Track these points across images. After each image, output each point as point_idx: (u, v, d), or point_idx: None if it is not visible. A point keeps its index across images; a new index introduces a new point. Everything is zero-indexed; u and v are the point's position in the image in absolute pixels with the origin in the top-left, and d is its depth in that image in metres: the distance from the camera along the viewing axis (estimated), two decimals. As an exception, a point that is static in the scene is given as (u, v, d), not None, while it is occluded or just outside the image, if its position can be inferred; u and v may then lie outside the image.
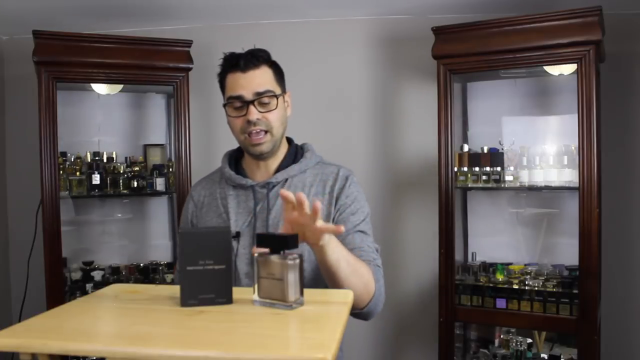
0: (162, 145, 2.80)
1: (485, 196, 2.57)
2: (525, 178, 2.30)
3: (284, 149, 1.45)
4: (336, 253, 1.16)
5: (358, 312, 1.29)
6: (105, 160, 2.63)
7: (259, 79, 1.35)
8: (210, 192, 1.47)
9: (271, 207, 1.37)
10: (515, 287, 2.23)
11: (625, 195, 2.46)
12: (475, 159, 2.37)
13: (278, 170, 1.42)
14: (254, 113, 1.33)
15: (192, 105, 2.50)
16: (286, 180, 1.40)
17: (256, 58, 1.36)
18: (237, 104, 1.35)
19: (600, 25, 2.03)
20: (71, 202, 2.56)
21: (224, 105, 1.39)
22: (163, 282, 2.56)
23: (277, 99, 1.36)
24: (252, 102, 1.33)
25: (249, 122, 1.33)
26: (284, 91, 1.42)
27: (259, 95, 1.34)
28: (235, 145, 2.76)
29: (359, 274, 1.23)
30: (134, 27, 2.73)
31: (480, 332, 2.50)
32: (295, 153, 1.46)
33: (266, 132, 1.35)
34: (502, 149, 2.36)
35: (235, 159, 1.49)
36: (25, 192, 2.68)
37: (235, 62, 1.36)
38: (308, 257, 1.33)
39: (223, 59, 1.40)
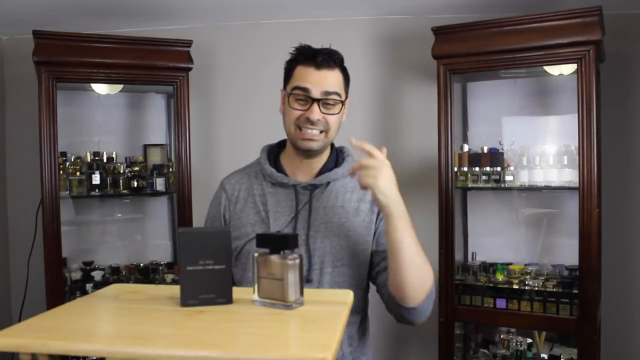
0: (162, 145, 2.80)
1: (485, 196, 2.57)
2: (525, 178, 2.30)
3: (327, 150, 1.43)
4: (399, 233, 1.20)
5: (409, 310, 1.27)
6: (105, 160, 2.63)
7: (331, 80, 1.33)
8: (247, 187, 1.43)
9: (313, 208, 1.36)
10: (515, 287, 2.23)
11: (625, 195, 2.46)
12: (475, 159, 2.37)
13: (321, 171, 1.40)
14: (316, 113, 1.31)
15: (192, 105, 2.50)
16: (328, 183, 1.39)
17: (333, 60, 1.34)
18: (300, 96, 1.33)
19: (600, 25, 2.03)
20: (71, 202, 2.56)
21: (287, 94, 1.35)
22: (163, 282, 2.56)
23: (342, 104, 1.36)
24: (317, 100, 1.31)
25: (308, 120, 1.31)
26: (346, 97, 1.40)
27: (327, 95, 1.32)
28: (233, 146, 2.75)
29: (419, 266, 1.23)
30: (134, 27, 2.73)
31: (480, 332, 2.50)
32: (337, 156, 1.45)
33: (322, 132, 1.34)
34: (502, 149, 2.36)
35: (275, 155, 1.46)
36: (25, 192, 2.69)
37: (312, 56, 1.33)
38: (349, 262, 1.34)
39: (297, 49, 1.37)
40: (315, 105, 1.31)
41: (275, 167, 1.42)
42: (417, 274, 1.23)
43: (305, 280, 1.31)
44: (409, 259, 1.21)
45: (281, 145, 1.48)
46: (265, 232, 1.34)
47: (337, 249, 1.34)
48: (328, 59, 1.33)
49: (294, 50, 1.37)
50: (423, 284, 1.25)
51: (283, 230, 1.35)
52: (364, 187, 1.20)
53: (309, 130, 1.32)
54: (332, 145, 1.47)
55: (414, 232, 1.23)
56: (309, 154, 1.37)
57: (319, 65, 1.32)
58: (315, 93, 1.31)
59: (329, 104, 1.33)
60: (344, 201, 1.38)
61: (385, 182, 1.18)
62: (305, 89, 1.32)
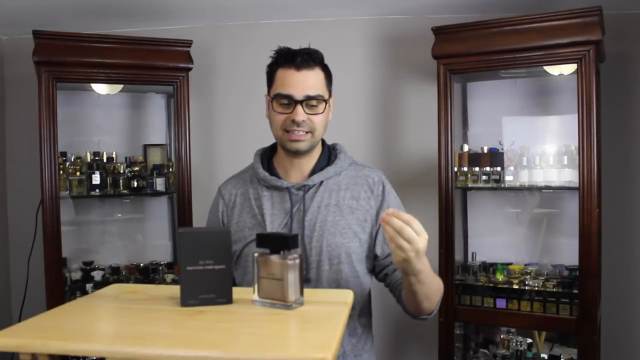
0: (162, 145, 2.80)
1: (485, 196, 2.57)
2: (525, 178, 2.30)
3: (318, 149, 1.44)
4: (418, 284, 1.22)
5: (423, 319, 1.36)
6: (105, 160, 2.63)
7: (312, 81, 1.34)
8: (242, 191, 1.45)
9: (307, 208, 1.37)
10: (515, 287, 2.23)
11: (625, 195, 2.46)
12: (475, 159, 2.37)
13: (313, 171, 1.41)
14: (300, 114, 1.32)
15: (192, 105, 2.50)
16: (321, 182, 1.40)
17: (312, 59, 1.34)
18: (284, 102, 1.34)
19: (600, 25, 2.03)
20: (71, 202, 2.56)
21: (270, 99, 1.37)
22: (163, 282, 2.56)
23: (326, 103, 1.37)
24: (300, 102, 1.32)
25: (294, 122, 1.33)
26: (330, 95, 1.41)
27: (309, 98, 1.33)
28: (233, 146, 2.75)
29: (434, 293, 1.29)
30: (134, 27, 2.73)
31: (480, 332, 2.50)
32: (329, 154, 1.46)
33: (308, 132, 1.35)
34: (502, 149, 2.36)
35: (268, 158, 1.47)
36: (25, 192, 2.69)
37: (291, 58, 1.33)
38: (346, 259, 1.36)
39: (277, 52, 1.38)
40: (299, 107, 1.32)
41: (269, 170, 1.43)
42: (432, 299, 1.30)
43: (304, 280, 1.32)
44: (424, 296, 1.26)
45: (273, 148, 1.49)
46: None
47: (332, 247, 1.35)
48: (307, 59, 1.33)
49: (274, 54, 1.38)
50: (437, 301, 1.33)
51: (279, 232, 1.36)
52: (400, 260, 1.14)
53: (296, 132, 1.34)
54: (324, 143, 1.48)
55: (429, 264, 1.23)
56: (298, 154, 1.38)
57: (299, 67, 1.33)
58: (298, 96, 1.32)
59: (312, 105, 1.34)
60: (338, 199, 1.39)
61: (423, 259, 1.17)
62: (287, 95, 1.33)
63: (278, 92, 1.34)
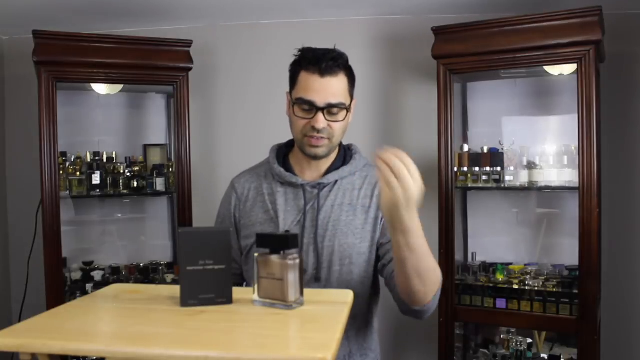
0: (162, 145, 2.80)
1: (485, 196, 2.57)
2: (525, 178, 2.30)
3: (335, 150, 1.44)
4: (405, 250, 1.12)
5: (418, 312, 1.26)
6: (105, 160, 2.63)
7: (335, 88, 1.31)
8: (256, 186, 1.45)
9: (321, 206, 1.37)
10: (515, 287, 2.23)
11: (625, 195, 2.46)
12: (475, 159, 2.37)
13: (328, 170, 1.41)
14: (321, 122, 1.31)
15: (192, 105, 2.50)
16: (336, 181, 1.40)
17: (337, 65, 1.31)
18: (305, 107, 1.32)
19: (600, 25, 2.03)
20: (71, 202, 2.56)
21: (292, 102, 1.35)
22: (163, 282, 2.56)
23: (347, 112, 1.35)
24: (322, 109, 1.31)
25: (313, 128, 1.32)
26: (352, 98, 1.39)
27: (331, 106, 1.31)
28: (233, 146, 2.75)
29: (427, 273, 1.20)
30: (134, 27, 2.73)
31: (480, 332, 2.50)
32: (345, 154, 1.46)
33: (326, 138, 1.34)
34: (502, 149, 2.36)
35: (284, 154, 1.47)
36: (25, 192, 2.69)
37: (315, 63, 1.31)
38: (357, 260, 1.35)
39: (301, 53, 1.35)
40: (320, 114, 1.31)
41: (284, 167, 1.43)
42: (426, 281, 1.20)
43: (314, 279, 1.32)
44: (415, 270, 1.16)
45: (290, 144, 1.48)
46: (275, 230, 1.36)
47: (344, 247, 1.34)
48: (332, 65, 1.31)
49: (298, 52, 1.36)
50: (433, 288, 1.24)
51: (292, 229, 1.35)
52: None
53: (315, 138, 1.33)
54: (340, 143, 1.47)
55: (422, 237, 1.14)
56: (316, 159, 1.39)
57: (323, 73, 1.30)
58: (320, 103, 1.31)
59: (333, 112, 1.33)
60: (352, 198, 1.38)
61: (413, 215, 1.06)
62: (309, 102, 1.31)
63: (300, 96, 1.32)
